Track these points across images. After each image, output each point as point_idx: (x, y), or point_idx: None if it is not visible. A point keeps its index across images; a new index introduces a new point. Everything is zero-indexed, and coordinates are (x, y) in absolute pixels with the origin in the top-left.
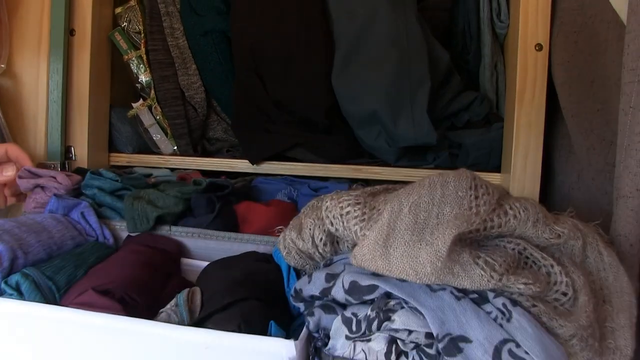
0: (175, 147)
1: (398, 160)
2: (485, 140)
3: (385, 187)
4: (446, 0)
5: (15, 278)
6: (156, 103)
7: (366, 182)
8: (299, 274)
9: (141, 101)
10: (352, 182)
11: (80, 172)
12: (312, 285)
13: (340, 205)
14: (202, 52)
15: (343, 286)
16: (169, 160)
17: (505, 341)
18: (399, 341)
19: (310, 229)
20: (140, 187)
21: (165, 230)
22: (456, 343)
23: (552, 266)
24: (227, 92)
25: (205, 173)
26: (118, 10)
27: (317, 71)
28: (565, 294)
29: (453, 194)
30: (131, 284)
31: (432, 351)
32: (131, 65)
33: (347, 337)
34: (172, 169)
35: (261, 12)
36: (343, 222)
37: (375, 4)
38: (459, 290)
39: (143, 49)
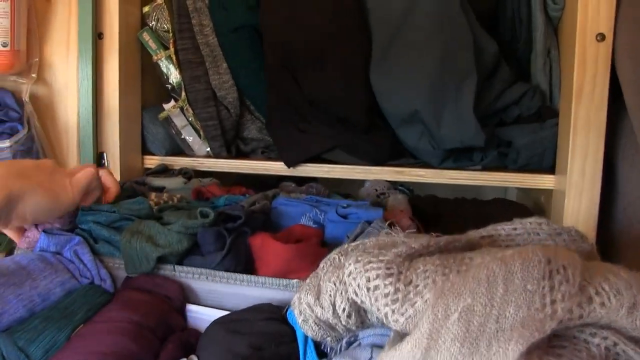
0: (209, 149)
1: (442, 162)
2: (538, 141)
3: (428, 242)
4: None
5: None
6: (188, 104)
7: (409, 189)
8: (318, 345)
9: (172, 102)
10: (388, 225)
11: None
12: None
13: (367, 275)
14: (232, 49)
15: None
16: (203, 162)
17: None
18: None
19: (330, 296)
20: (141, 215)
21: (169, 270)
22: None
23: None
24: (261, 90)
25: (241, 175)
26: (145, 9)
27: (354, 66)
28: None
29: (520, 289)
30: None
31: None
32: (161, 65)
33: None
34: (206, 172)
35: (291, 4)
36: (370, 298)
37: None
38: None
39: (172, 49)
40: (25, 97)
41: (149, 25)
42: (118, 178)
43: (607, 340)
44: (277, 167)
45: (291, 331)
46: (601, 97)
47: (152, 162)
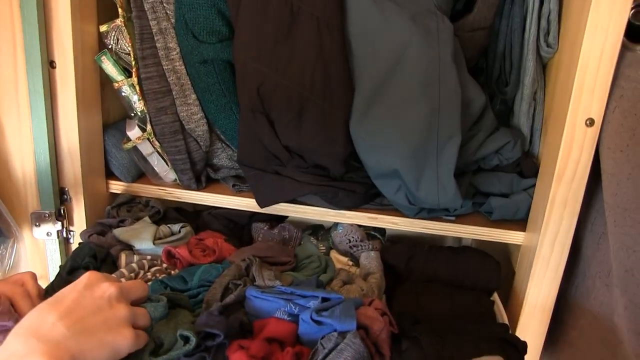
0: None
1: (417, 214)
2: (513, 204)
3: None
4: (489, 17)
5: None
6: (154, 137)
7: (381, 234)
8: None
9: (138, 132)
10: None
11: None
12: None
13: None
14: (201, 81)
15: None
16: (172, 192)
17: None
18: None
19: None
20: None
21: None
22: None
23: None
24: (233, 123)
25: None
26: (103, 27)
27: (334, 118)
28: None
29: None
30: None
31: None
32: (123, 92)
33: None
34: (176, 205)
35: (271, 45)
36: None
37: (405, 40)
38: None
39: (135, 78)
40: None
41: (107, 47)
42: (82, 208)
43: None
44: (248, 204)
45: None
46: (581, 181)
47: (117, 187)
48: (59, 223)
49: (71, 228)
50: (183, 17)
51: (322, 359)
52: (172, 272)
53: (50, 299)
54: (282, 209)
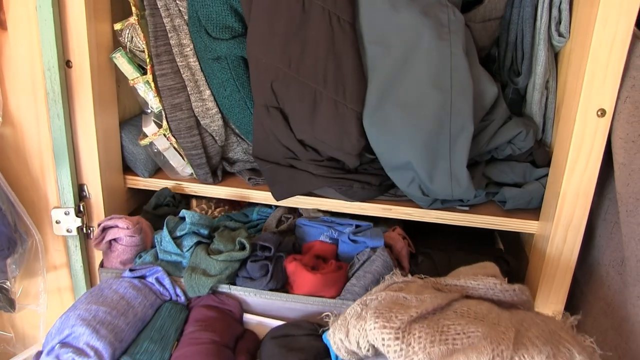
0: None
1: (431, 205)
2: (527, 194)
3: (424, 310)
4: (500, 7)
5: None
6: (170, 133)
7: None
8: None
9: (154, 128)
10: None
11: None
12: None
13: (382, 336)
14: (215, 78)
15: None
16: (188, 186)
17: None
18: None
19: (356, 337)
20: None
21: (225, 288)
22: None
23: None
24: (247, 117)
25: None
26: (117, 26)
27: (348, 112)
28: None
29: None
30: None
31: None
32: (138, 90)
33: None
34: (193, 196)
35: (283, 41)
36: (384, 349)
37: (416, 33)
38: None
39: (150, 75)
40: None
41: (122, 44)
42: (101, 204)
43: None
44: (265, 196)
45: (326, 348)
46: (593, 171)
47: (135, 182)
48: (79, 219)
49: (91, 224)
50: (196, 13)
51: (358, 268)
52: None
53: None
54: (297, 201)
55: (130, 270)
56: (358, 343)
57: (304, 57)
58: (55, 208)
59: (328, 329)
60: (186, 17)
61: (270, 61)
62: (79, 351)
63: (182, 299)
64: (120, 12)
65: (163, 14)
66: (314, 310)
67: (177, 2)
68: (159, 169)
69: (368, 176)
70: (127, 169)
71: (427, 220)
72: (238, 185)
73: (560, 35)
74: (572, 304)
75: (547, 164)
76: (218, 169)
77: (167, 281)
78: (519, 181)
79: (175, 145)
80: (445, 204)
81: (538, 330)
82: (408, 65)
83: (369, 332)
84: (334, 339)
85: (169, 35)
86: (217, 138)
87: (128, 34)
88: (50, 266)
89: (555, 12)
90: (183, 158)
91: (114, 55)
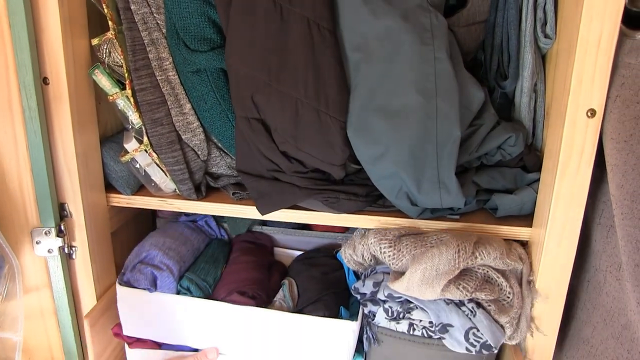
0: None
1: (420, 214)
2: (517, 200)
3: (413, 231)
4: (484, 11)
5: (185, 283)
6: (151, 149)
7: None
8: (356, 272)
9: (135, 144)
10: None
11: None
12: (365, 289)
13: (380, 246)
14: (196, 90)
15: (384, 293)
16: (172, 203)
17: (471, 328)
18: (414, 324)
19: (361, 251)
20: None
21: (258, 228)
22: (445, 327)
23: (502, 282)
24: (230, 132)
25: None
26: (95, 41)
27: (331, 122)
28: (508, 297)
29: (445, 259)
30: (255, 284)
31: (432, 330)
32: (118, 105)
33: (385, 318)
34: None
35: (262, 51)
36: (382, 256)
37: (398, 38)
38: (448, 299)
39: (129, 90)
40: None
41: (100, 60)
42: (83, 223)
43: (484, 270)
44: (250, 212)
45: (339, 263)
46: (585, 173)
47: (117, 200)
48: (60, 239)
49: (73, 244)
50: (174, 26)
51: None
52: None
53: None
54: (283, 215)
55: (185, 214)
56: (362, 255)
57: (284, 66)
58: (35, 228)
59: (339, 250)
60: (164, 31)
61: (249, 71)
62: (155, 267)
63: (226, 237)
64: (97, 27)
65: (141, 28)
66: (329, 242)
67: (155, 15)
68: (142, 186)
69: (355, 187)
70: (110, 187)
71: (417, 228)
72: (222, 201)
73: (546, 36)
74: (570, 313)
75: (539, 168)
76: (202, 185)
77: (213, 224)
78: (510, 187)
79: (157, 161)
80: (435, 213)
81: (496, 242)
82: (391, 71)
83: (370, 245)
84: (344, 254)
85: (148, 49)
86: (199, 153)
87: (106, 49)
88: (31, 288)
89: (540, 13)
90: (165, 174)
91: (92, 71)
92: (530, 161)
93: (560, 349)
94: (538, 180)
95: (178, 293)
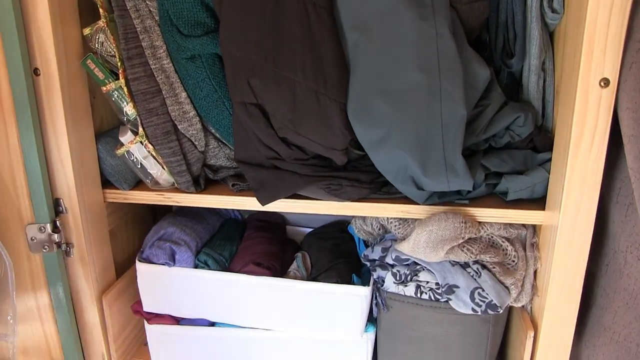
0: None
1: (427, 200)
2: (528, 182)
3: None
4: None
5: (203, 257)
6: (146, 140)
7: None
8: (365, 242)
9: (130, 136)
10: None
11: None
12: (374, 254)
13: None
14: (191, 77)
15: (391, 257)
16: (170, 197)
17: (476, 288)
18: (421, 286)
19: (370, 220)
20: None
21: None
22: (451, 288)
23: (507, 246)
24: (227, 121)
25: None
26: (86, 31)
27: (330, 104)
28: (513, 261)
29: (452, 225)
30: (270, 256)
31: (439, 292)
32: (112, 96)
33: (394, 282)
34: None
35: (257, 33)
36: (389, 226)
37: (397, 16)
38: (454, 261)
39: (122, 80)
40: None
41: (92, 50)
42: (79, 219)
43: (489, 236)
44: (251, 203)
45: (351, 236)
46: (600, 149)
47: (114, 196)
48: (56, 235)
49: (69, 240)
50: (167, 12)
51: None
52: None
53: None
54: (284, 205)
55: None
56: (372, 225)
57: (280, 48)
58: (29, 224)
59: (351, 223)
60: (157, 18)
61: (245, 55)
62: (173, 242)
63: (239, 217)
64: (90, 17)
65: (133, 15)
66: (339, 219)
67: (147, 2)
68: (139, 181)
69: (358, 173)
70: (107, 183)
71: (425, 216)
72: (222, 193)
73: (553, 11)
74: (589, 300)
75: (550, 149)
76: (200, 177)
77: None
78: (520, 169)
79: (154, 153)
80: (443, 199)
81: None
82: (391, 50)
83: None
84: (355, 224)
85: (141, 37)
86: (196, 143)
87: (98, 38)
88: (27, 287)
89: None
90: (162, 167)
91: (84, 61)
92: (541, 142)
93: (580, 337)
94: (550, 160)
95: (196, 267)
